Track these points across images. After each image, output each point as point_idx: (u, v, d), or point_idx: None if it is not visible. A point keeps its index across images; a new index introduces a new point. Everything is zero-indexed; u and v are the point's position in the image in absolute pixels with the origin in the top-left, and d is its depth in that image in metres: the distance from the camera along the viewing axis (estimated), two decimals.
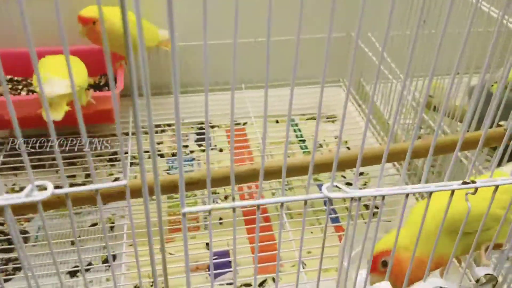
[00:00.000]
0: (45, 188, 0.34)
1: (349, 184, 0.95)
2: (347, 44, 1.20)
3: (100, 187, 0.35)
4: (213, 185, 0.76)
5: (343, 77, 1.28)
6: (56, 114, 0.84)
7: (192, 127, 1.13)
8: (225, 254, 0.81)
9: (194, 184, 0.69)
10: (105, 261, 0.79)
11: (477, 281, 0.47)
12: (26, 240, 0.82)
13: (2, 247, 0.80)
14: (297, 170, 0.72)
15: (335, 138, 1.10)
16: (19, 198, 0.33)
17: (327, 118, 1.18)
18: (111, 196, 0.67)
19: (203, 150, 1.06)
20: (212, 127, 1.14)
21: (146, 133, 1.09)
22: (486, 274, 0.47)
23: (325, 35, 1.11)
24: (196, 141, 1.09)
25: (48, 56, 0.93)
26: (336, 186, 0.41)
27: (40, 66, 0.90)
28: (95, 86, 1.07)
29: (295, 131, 1.13)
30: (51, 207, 0.70)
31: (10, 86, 1.06)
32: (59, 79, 0.86)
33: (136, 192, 0.52)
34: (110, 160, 1.02)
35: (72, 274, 0.77)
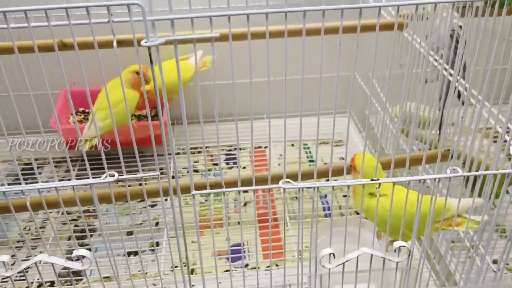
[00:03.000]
0: (114, 175, 0.60)
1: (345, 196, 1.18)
2: (352, 82, 1.43)
3: (147, 175, 0.62)
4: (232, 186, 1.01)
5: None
6: (87, 148, 1.13)
7: (222, 149, 1.40)
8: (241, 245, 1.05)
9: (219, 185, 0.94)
10: (151, 247, 1.05)
11: (395, 250, 0.68)
12: (94, 231, 1.11)
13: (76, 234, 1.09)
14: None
15: (340, 159, 1.33)
16: (99, 180, 0.60)
17: (335, 143, 1.40)
18: (156, 193, 0.94)
19: (231, 168, 1.32)
20: (239, 149, 1.39)
21: (184, 153, 1.37)
22: (401, 246, 0.69)
23: (334, 74, 1.35)
24: (225, 160, 1.35)
25: (111, 84, 1.19)
26: (288, 181, 0.64)
27: (100, 96, 1.20)
28: (146, 117, 1.36)
29: (306, 153, 1.37)
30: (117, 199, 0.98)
31: (83, 116, 1.38)
32: (97, 121, 1.15)
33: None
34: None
35: (130, 255, 1.04)
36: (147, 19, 0.50)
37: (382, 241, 0.89)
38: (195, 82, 1.39)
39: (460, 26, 0.92)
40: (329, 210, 1.14)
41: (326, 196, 1.20)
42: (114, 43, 0.52)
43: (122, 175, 0.61)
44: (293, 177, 0.89)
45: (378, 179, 0.64)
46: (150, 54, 0.52)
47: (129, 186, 1.15)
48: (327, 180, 1.09)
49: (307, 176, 0.94)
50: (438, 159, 0.65)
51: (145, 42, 0.51)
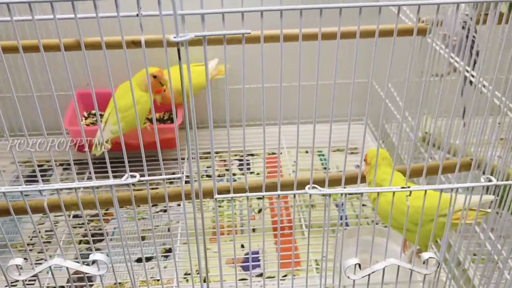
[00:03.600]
0: (135, 176, 0.58)
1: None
2: (369, 89, 1.41)
3: (167, 177, 0.59)
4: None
5: (365, 115, 1.49)
6: (96, 151, 1.13)
7: (235, 155, 1.37)
8: (255, 253, 1.02)
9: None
10: (164, 253, 1.02)
11: (424, 262, 0.66)
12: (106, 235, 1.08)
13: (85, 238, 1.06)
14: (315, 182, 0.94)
15: (355, 167, 1.30)
16: (120, 181, 0.58)
17: (350, 150, 1.38)
18: (170, 197, 0.91)
19: (243, 174, 1.30)
20: (252, 155, 1.37)
21: (200, 158, 1.35)
22: (430, 258, 0.66)
23: (350, 81, 1.33)
24: (238, 165, 1.33)
25: (125, 86, 1.18)
26: (314, 187, 0.62)
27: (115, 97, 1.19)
28: (160, 120, 1.34)
29: (321, 160, 1.34)
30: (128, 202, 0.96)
31: (95, 118, 1.36)
32: (109, 124, 1.14)
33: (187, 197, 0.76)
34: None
35: (139, 261, 1.01)
36: (178, 13, 0.48)
37: (407, 252, 0.86)
38: (213, 87, 1.37)
39: (472, 19, 0.90)
40: (346, 218, 1.11)
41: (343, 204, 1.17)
42: (142, 40, 0.49)
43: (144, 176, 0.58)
44: (315, 183, 0.87)
45: (409, 187, 0.62)
46: (178, 51, 0.50)
47: (140, 189, 1.13)
48: (345, 188, 1.06)
49: (330, 182, 0.91)
50: (473, 167, 0.62)
51: (174, 37, 0.49)
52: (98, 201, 0.90)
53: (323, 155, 1.37)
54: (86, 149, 0.59)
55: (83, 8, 0.53)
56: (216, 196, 0.62)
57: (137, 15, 0.48)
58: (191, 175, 0.60)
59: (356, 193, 0.62)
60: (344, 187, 0.63)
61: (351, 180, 0.93)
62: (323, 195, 0.62)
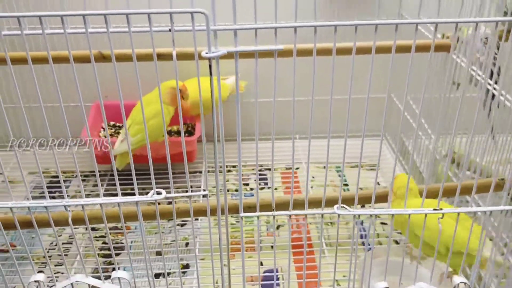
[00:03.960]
0: (161, 193, 0.57)
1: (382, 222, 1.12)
2: (389, 104, 1.39)
3: (192, 194, 0.58)
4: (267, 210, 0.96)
5: (385, 131, 1.46)
6: (118, 164, 1.14)
7: (253, 169, 1.36)
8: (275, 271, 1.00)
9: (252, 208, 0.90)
10: (182, 269, 1.01)
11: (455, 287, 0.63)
12: (123, 249, 1.07)
13: (103, 252, 1.05)
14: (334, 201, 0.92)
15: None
16: (146, 198, 0.56)
17: (369, 167, 1.36)
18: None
19: (262, 188, 1.28)
20: (268, 169, 1.36)
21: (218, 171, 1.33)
22: (461, 283, 0.63)
23: (371, 95, 1.32)
24: (255, 180, 1.31)
25: (145, 98, 1.18)
26: (343, 206, 0.60)
27: (134, 110, 1.19)
28: (178, 133, 1.33)
29: (340, 176, 1.32)
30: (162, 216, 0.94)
31: (113, 130, 1.36)
32: (128, 136, 1.14)
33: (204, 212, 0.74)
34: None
35: (156, 276, 0.99)
36: (210, 29, 0.47)
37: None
38: (229, 101, 1.36)
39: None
40: (366, 237, 1.09)
41: (362, 222, 1.15)
42: (174, 54, 0.49)
43: (170, 193, 0.57)
44: (335, 201, 0.85)
45: (441, 209, 0.59)
46: (210, 67, 0.49)
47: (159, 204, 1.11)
48: (363, 206, 1.04)
49: (350, 201, 0.89)
50: (507, 189, 0.60)
51: (206, 53, 0.48)
52: (113, 215, 0.89)
53: (340, 170, 1.35)
54: (113, 161, 0.58)
55: (114, 20, 0.53)
56: (242, 214, 0.60)
57: (170, 30, 0.48)
58: (217, 190, 0.59)
59: (385, 214, 0.60)
60: (363, 206, 0.61)
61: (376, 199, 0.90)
62: (353, 216, 0.60)
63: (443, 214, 0.59)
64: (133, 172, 0.56)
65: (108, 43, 0.48)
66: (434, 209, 0.59)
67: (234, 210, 0.88)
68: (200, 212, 0.91)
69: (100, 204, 0.56)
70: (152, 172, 0.56)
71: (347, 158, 1.45)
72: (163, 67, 1.29)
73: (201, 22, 0.48)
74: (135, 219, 0.92)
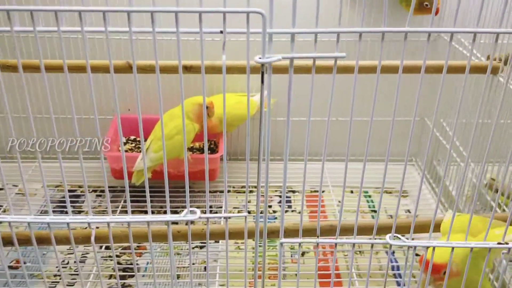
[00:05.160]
0: (195, 212, 0.51)
1: None
2: (421, 127, 1.33)
3: (227, 215, 0.52)
4: (293, 235, 0.90)
5: (416, 156, 1.40)
6: (135, 179, 1.10)
7: (276, 190, 1.30)
8: None
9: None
10: None
11: None
12: (138, 270, 1.01)
13: (119, 273, 0.99)
14: (367, 229, 0.85)
15: (405, 212, 1.21)
16: (179, 217, 0.51)
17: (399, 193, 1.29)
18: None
19: (285, 211, 1.22)
20: (293, 191, 1.29)
21: (236, 191, 1.27)
22: None
23: (400, 118, 1.26)
24: (278, 202, 1.25)
25: (169, 113, 1.12)
26: (397, 236, 0.54)
27: (158, 125, 1.14)
28: (200, 149, 1.28)
29: (367, 201, 1.25)
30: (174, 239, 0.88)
31: (133, 144, 1.31)
32: (150, 152, 1.09)
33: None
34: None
35: None
36: (267, 31, 0.42)
37: None
38: (255, 119, 1.31)
39: None
40: (398, 269, 1.02)
41: (394, 252, 1.07)
42: (223, 58, 0.44)
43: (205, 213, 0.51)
44: (368, 230, 0.79)
45: (507, 243, 0.53)
46: (262, 74, 0.44)
47: (180, 224, 1.05)
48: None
49: (383, 230, 0.83)
50: None
51: (260, 58, 0.43)
52: (134, 235, 0.83)
53: (369, 196, 1.28)
54: (146, 178, 0.52)
55: (137, 22, 0.48)
56: (283, 240, 0.54)
57: (221, 31, 0.43)
58: (257, 210, 0.53)
59: (447, 247, 0.54)
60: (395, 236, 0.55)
61: (423, 227, 0.82)
62: (408, 247, 0.54)
63: (509, 249, 0.53)
64: (167, 190, 0.51)
65: (130, 51, 0.43)
66: (499, 243, 0.53)
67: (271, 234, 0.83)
68: (220, 235, 0.84)
69: (128, 223, 0.50)
70: (187, 189, 0.51)
71: (375, 183, 1.38)
72: (190, 82, 1.26)
73: (254, 25, 0.43)
74: (156, 239, 0.86)
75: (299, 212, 1.22)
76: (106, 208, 1.18)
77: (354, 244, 0.63)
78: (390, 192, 1.30)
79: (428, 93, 1.22)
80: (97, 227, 0.77)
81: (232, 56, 0.76)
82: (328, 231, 0.84)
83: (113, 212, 1.17)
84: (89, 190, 1.25)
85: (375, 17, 1.15)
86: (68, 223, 0.50)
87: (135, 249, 1.06)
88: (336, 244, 0.56)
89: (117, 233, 0.77)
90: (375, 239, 0.58)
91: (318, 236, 0.55)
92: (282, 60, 0.43)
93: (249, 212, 1.18)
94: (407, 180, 1.33)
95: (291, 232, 0.82)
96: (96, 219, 0.50)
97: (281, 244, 0.54)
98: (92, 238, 0.51)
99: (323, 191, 1.29)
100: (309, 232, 0.86)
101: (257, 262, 0.56)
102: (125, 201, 1.19)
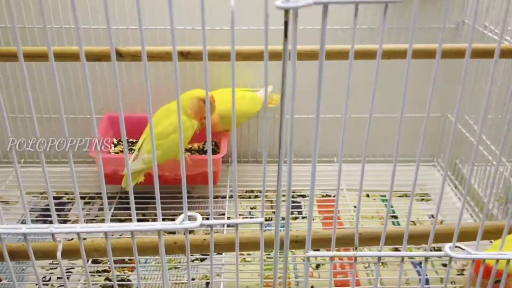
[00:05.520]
0: (195, 219, 0.39)
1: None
2: (442, 124, 1.21)
3: (239, 222, 0.40)
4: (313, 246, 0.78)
5: (437, 157, 1.27)
6: (125, 183, 0.98)
7: (284, 195, 1.17)
8: None
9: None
10: None
11: None
12: (130, 287, 0.88)
13: None
14: (391, 238, 0.73)
15: (429, 218, 1.09)
16: (173, 225, 0.39)
17: (421, 197, 1.17)
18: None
19: (295, 218, 1.09)
20: (303, 196, 1.17)
21: (241, 197, 1.15)
22: None
23: (420, 114, 1.14)
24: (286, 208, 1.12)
25: (164, 109, 1.00)
26: (459, 247, 0.42)
27: (153, 122, 1.02)
28: (199, 151, 1.16)
29: (386, 206, 1.13)
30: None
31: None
32: (142, 153, 0.97)
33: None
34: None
35: None
36: None
37: None
38: (259, 117, 1.19)
39: None
40: (427, 283, 0.89)
41: (420, 263, 0.95)
42: (232, 2, 0.32)
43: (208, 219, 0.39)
44: (391, 239, 0.68)
45: None
46: (286, 23, 0.32)
47: (166, 234, 0.93)
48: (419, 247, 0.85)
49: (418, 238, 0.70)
50: None
51: (282, 2, 0.31)
52: (119, 247, 0.70)
53: (386, 200, 1.15)
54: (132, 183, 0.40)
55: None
56: (309, 253, 0.42)
57: None
58: (277, 217, 0.40)
59: None
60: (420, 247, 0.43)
61: (468, 235, 0.69)
62: (472, 261, 0.42)
63: None
64: (157, 192, 0.38)
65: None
66: None
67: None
68: (224, 246, 0.71)
69: (132, 232, 0.38)
70: (185, 192, 0.38)
71: (394, 187, 1.24)
72: (187, 72, 1.13)
73: None
74: (147, 252, 0.73)
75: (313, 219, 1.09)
76: (96, 217, 1.07)
77: (379, 257, 0.51)
78: (409, 196, 1.17)
79: (451, 86, 1.10)
80: (85, 238, 0.65)
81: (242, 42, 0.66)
82: (347, 241, 0.72)
83: (102, 221, 1.04)
84: (74, 197, 1.12)
85: None
86: (24, 234, 0.37)
87: (127, 262, 0.93)
88: (332, 257, 0.44)
89: (101, 245, 0.64)
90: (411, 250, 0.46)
91: (356, 248, 0.42)
92: (312, 5, 0.31)
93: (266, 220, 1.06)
94: (429, 182, 1.21)
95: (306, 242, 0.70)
96: (88, 229, 0.37)
97: (308, 258, 0.42)
98: (82, 250, 0.39)
99: (334, 196, 1.17)
100: (324, 242, 0.74)
101: (276, 277, 0.44)
102: (116, 209, 1.07)
